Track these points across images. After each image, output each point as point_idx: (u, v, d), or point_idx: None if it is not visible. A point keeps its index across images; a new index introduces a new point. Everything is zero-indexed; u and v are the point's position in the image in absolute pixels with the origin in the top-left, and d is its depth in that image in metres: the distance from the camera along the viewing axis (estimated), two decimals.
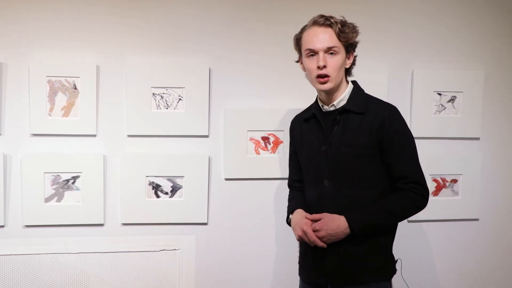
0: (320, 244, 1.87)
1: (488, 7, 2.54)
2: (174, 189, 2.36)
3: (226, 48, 2.37)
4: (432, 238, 2.59)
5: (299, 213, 1.99)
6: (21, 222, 2.29)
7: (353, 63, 1.97)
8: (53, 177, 2.28)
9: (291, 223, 2.03)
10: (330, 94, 1.93)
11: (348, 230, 1.84)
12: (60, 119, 2.27)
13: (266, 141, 2.41)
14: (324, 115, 1.96)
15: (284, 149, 2.41)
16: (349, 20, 1.89)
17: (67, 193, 2.30)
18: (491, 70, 2.55)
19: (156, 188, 2.35)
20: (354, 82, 1.98)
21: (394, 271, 1.95)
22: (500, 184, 2.61)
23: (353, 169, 1.88)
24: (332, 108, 1.94)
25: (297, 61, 2.02)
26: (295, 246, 2.49)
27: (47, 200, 2.29)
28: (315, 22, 1.88)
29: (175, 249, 2.39)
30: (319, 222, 1.89)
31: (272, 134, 2.41)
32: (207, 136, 2.39)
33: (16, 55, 2.24)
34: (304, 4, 2.39)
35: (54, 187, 2.29)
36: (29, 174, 2.26)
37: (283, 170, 2.42)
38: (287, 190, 2.45)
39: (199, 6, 2.34)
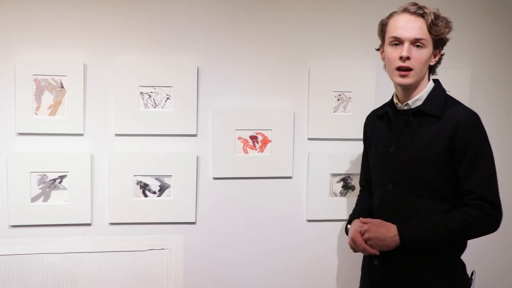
0: (372, 251, 1.76)
1: (475, 7, 2.55)
2: (162, 188, 2.35)
3: (215, 47, 2.37)
4: None
5: (356, 223, 1.87)
6: (7, 222, 2.26)
7: (439, 61, 1.82)
8: (40, 176, 2.26)
9: (348, 234, 1.91)
10: (407, 90, 1.79)
11: (397, 238, 1.71)
12: (47, 118, 2.25)
13: (255, 140, 2.41)
14: (397, 113, 1.84)
15: (273, 148, 2.41)
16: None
17: (54, 193, 2.28)
18: (477, 70, 2.57)
19: (144, 187, 2.34)
20: (435, 81, 1.84)
21: None
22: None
23: (421, 176, 1.74)
24: (406, 107, 1.81)
25: (377, 49, 1.89)
26: (283, 245, 2.50)
27: (34, 199, 2.27)
28: (405, 10, 1.75)
29: (163, 249, 2.38)
30: (368, 224, 1.78)
31: (260, 133, 2.41)
32: (195, 135, 2.38)
33: (2, 53, 2.21)
34: (294, 3, 2.40)
35: (40, 186, 2.27)
36: (15, 174, 2.24)
37: (272, 169, 2.42)
38: (275, 189, 2.47)
39: (187, 4, 2.33)
